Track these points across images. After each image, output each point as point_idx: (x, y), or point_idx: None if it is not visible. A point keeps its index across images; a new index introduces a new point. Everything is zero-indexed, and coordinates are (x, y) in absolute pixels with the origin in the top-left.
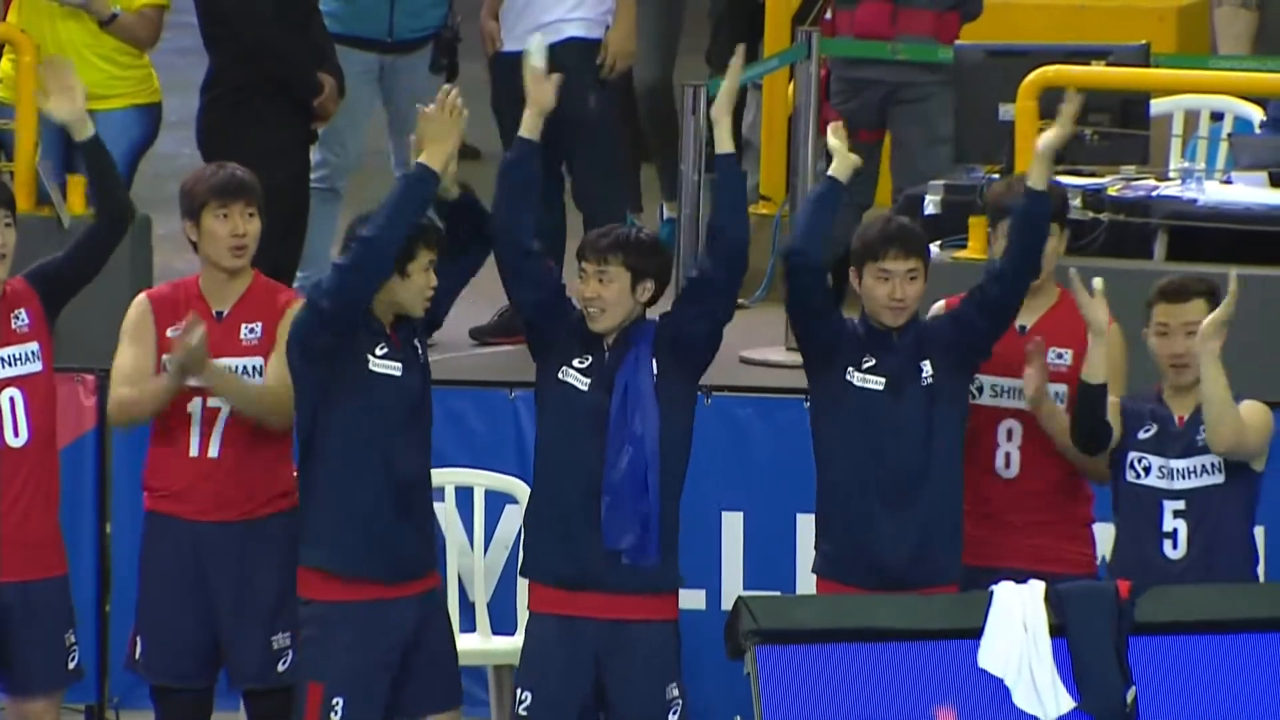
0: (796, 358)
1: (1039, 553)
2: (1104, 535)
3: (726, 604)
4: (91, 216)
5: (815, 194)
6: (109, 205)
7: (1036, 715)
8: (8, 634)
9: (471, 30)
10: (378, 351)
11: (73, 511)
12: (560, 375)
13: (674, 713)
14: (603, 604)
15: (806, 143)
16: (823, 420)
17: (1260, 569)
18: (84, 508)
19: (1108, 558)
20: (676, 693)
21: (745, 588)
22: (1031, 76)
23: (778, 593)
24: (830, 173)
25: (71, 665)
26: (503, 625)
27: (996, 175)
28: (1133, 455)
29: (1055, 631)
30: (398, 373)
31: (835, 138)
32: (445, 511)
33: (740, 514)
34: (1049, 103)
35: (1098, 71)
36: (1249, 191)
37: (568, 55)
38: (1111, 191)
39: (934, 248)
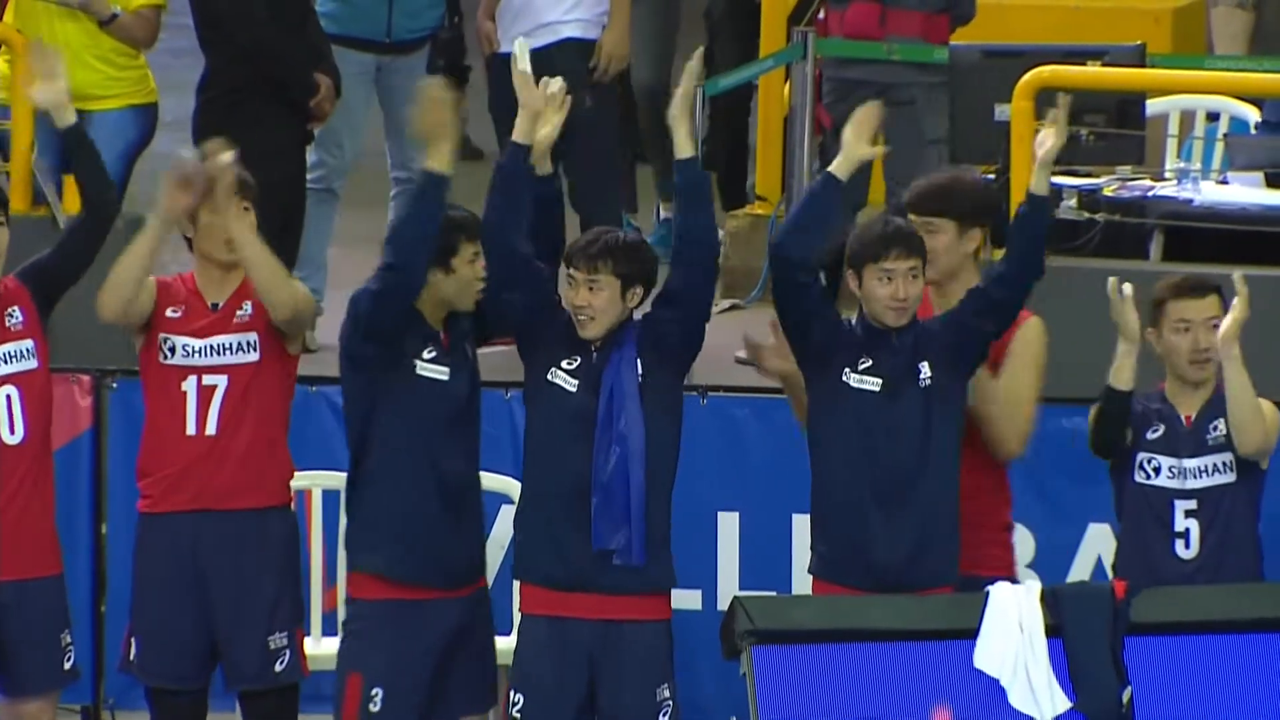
0: None
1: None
2: (1105, 538)
3: (722, 604)
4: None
5: (809, 190)
6: (91, 195)
7: (1032, 715)
8: (3, 633)
9: (469, 31)
10: (426, 355)
11: (68, 512)
12: (549, 377)
13: (665, 714)
14: (594, 605)
15: (802, 143)
16: (819, 421)
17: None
18: (80, 508)
19: (1112, 560)
20: (668, 693)
21: (741, 588)
22: (1027, 77)
23: (773, 593)
24: (830, 169)
25: (67, 665)
26: (500, 626)
27: (992, 176)
28: (1141, 456)
29: (1051, 631)
30: (444, 376)
31: (853, 128)
32: None
33: (736, 514)
34: (1044, 104)
35: (1093, 72)
36: (1244, 192)
37: (564, 56)
38: (1107, 192)
39: None
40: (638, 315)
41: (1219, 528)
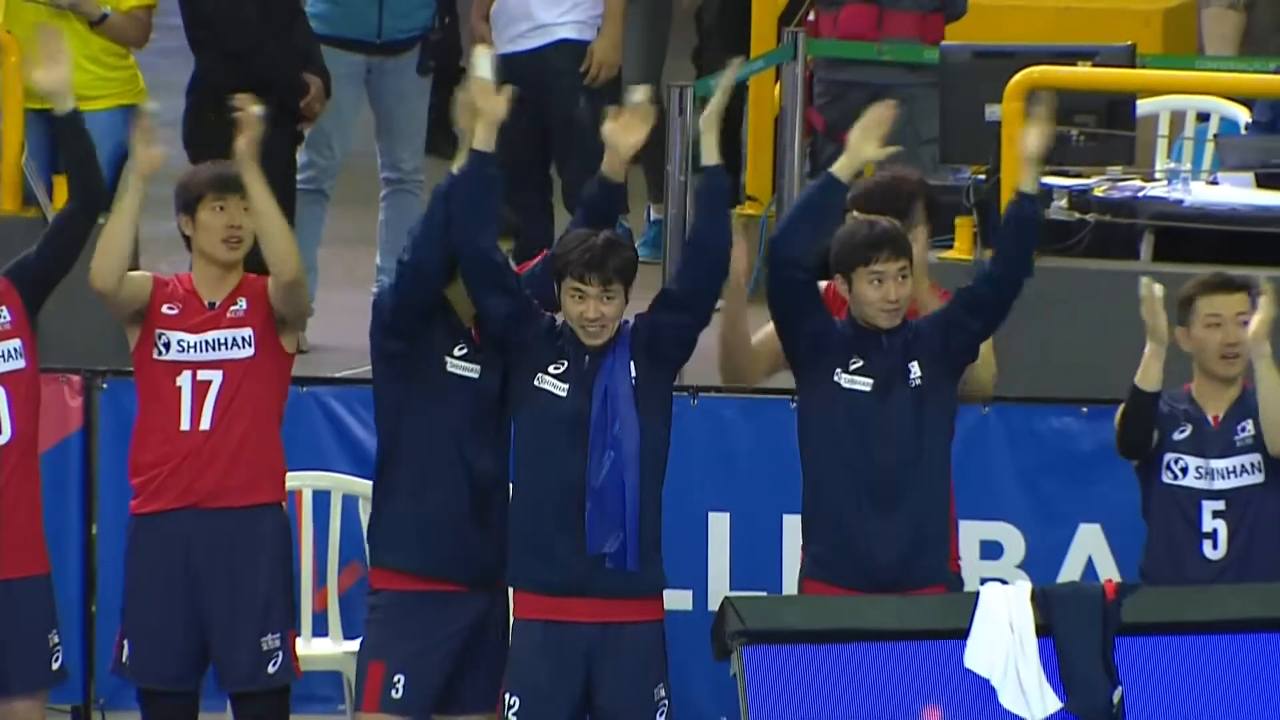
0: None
1: None
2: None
3: (713, 604)
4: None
5: (809, 189)
6: (80, 186)
7: (1023, 716)
8: None
9: (461, 32)
10: (456, 352)
11: (58, 512)
12: (536, 382)
13: (660, 714)
14: (588, 608)
15: (793, 144)
16: (810, 421)
17: None
18: (70, 508)
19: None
20: (663, 693)
21: (731, 588)
22: (1018, 77)
23: (764, 593)
24: (833, 170)
25: (55, 666)
26: None
27: (982, 176)
28: (1169, 457)
29: (1041, 632)
30: (474, 374)
31: (863, 129)
32: None
33: (726, 515)
34: (1034, 105)
35: (1084, 72)
36: (1235, 192)
37: (559, 57)
38: (1098, 192)
39: None
40: (629, 316)
41: (1247, 528)
